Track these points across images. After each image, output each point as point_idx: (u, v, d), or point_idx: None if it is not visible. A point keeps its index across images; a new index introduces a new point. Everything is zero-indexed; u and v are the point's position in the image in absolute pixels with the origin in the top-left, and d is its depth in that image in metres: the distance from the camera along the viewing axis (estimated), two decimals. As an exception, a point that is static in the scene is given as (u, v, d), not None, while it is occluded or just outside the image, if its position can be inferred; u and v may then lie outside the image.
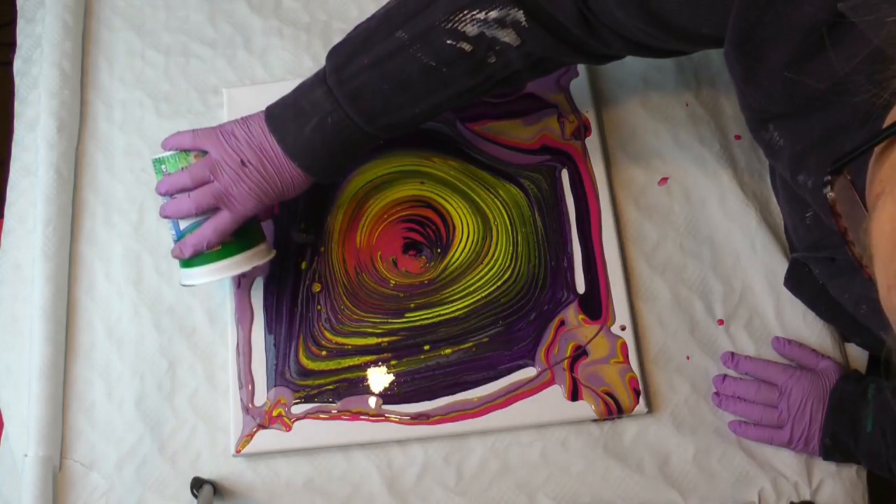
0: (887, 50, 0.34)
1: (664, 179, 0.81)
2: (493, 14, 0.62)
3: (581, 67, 0.83)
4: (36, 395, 0.73)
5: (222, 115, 0.83)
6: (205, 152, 0.68)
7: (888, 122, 0.34)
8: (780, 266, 0.77)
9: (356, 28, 0.68)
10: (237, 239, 0.70)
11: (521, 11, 0.62)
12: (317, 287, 0.77)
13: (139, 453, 0.74)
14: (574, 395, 0.73)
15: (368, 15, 0.68)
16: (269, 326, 0.76)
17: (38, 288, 0.76)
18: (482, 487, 0.72)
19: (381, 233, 0.79)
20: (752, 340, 0.75)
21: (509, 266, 0.77)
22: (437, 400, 0.73)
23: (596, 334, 0.75)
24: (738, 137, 0.82)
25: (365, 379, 0.74)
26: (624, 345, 0.74)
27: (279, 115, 0.68)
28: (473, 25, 0.63)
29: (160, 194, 0.69)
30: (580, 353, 0.74)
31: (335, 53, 0.67)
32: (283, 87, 0.70)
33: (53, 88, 0.83)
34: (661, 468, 0.72)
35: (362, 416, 0.73)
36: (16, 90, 0.88)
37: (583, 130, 0.81)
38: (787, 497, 0.71)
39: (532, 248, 0.78)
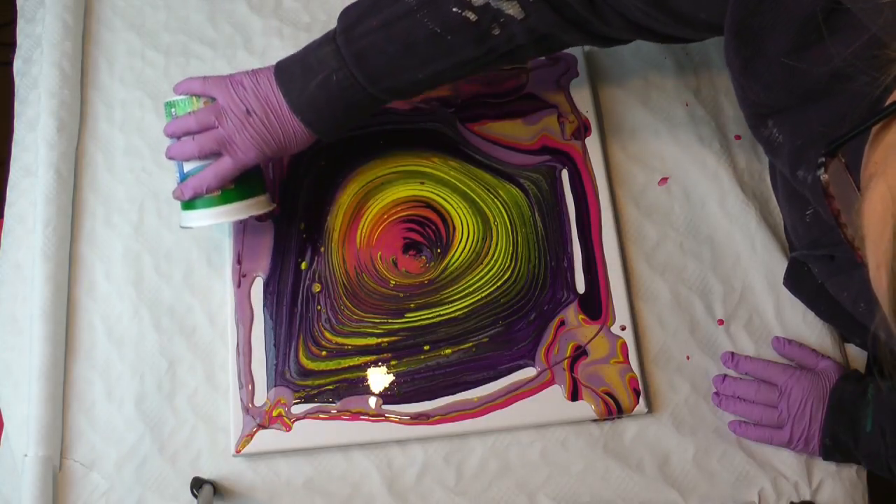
0: (884, 36, 0.34)
1: (664, 179, 0.81)
2: None
3: (581, 67, 0.83)
4: (36, 395, 0.73)
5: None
6: (213, 99, 0.70)
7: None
8: (780, 266, 0.77)
9: None
10: (238, 187, 0.71)
11: None
12: (317, 287, 0.77)
13: (139, 453, 0.74)
14: (574, 395, 0.73)
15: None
16: (269, 326, 0.76)
17: (38, 288, 0.76)
18: (482, 487, 0.72)
19: (381, 233, 0.79)
20: (752, 340, 0.75)
21: (509, 266, 0.77)
22: (437, 400, 0.73)
23: (596, 334, 0.75)
24: (738, 137, 0.82)
25: (365, 379, 0.74)
26: (624, 345, 0.74)
27: (287, 70, 0.69)
28: None
29: (167, 135, 0.71)
30: (580, 353, 0.74)
31: (346, 14, 0.68)
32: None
33: (53, 88, 0.83)
34: (661, 468, 0.72)
35: (362, 416, 0.73)
36: (16, 90, 0.88)
37: (583, 130, 0.81)
38: (787, 497, 0.71)
39: (532, 248, 0.78)
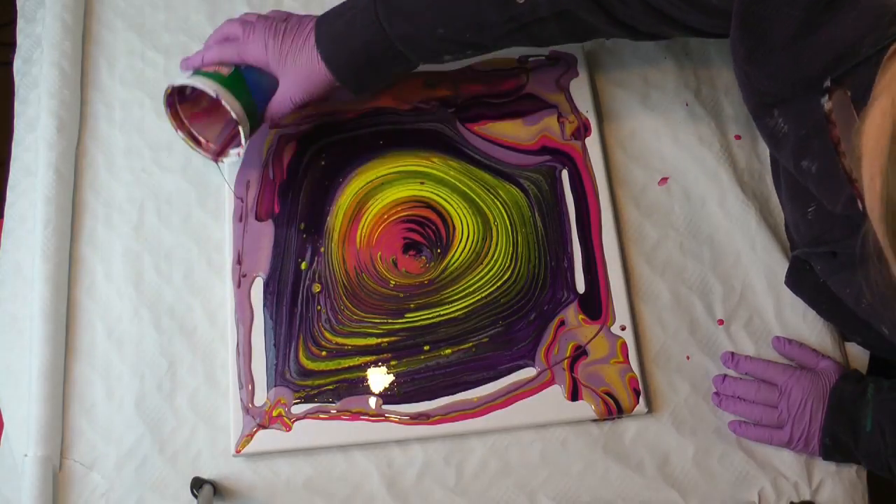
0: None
1: (664, 179, 0.81)
2: None
3: (581, 67, 0.83)
4: (36, 395, 0.73)
5: (222, 115, 0.83)
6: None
7: None
8: (780, 265, 0.77)
9: None
10: (232, 83, 0.72)
11: None
12: (317, 287, 0.77)
13: (139, 453, 0.74)
14: (574, 395, 0.73)
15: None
16: (269, 326, 0.76)
17: (37, 288, 0.76)
18: (482, 487, 0.72)
19: (381, 233, 0.79)
20: (752, 340, 0.75)
21: (509, 266, 0.77)
22: (437, 400, 0.73)
23: (596, 334, 0.75)
24: (738, 137, 0.82)
25: (365, 379, 0.74)
26: (624, 345, 0.74)
27: (330, 11, 0.72)
28: None
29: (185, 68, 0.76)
30: (580, 353, 0.74)
31: None
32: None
33: (53, 88, 0.83)
34: (660, 468, 0.72)
35: (362, 416, 0.73)
36: (16, 90, 0.88)
37: (583, 130, 0.81)
38: (787, 497, 0.71)
39: (532, 248, 0.78)
